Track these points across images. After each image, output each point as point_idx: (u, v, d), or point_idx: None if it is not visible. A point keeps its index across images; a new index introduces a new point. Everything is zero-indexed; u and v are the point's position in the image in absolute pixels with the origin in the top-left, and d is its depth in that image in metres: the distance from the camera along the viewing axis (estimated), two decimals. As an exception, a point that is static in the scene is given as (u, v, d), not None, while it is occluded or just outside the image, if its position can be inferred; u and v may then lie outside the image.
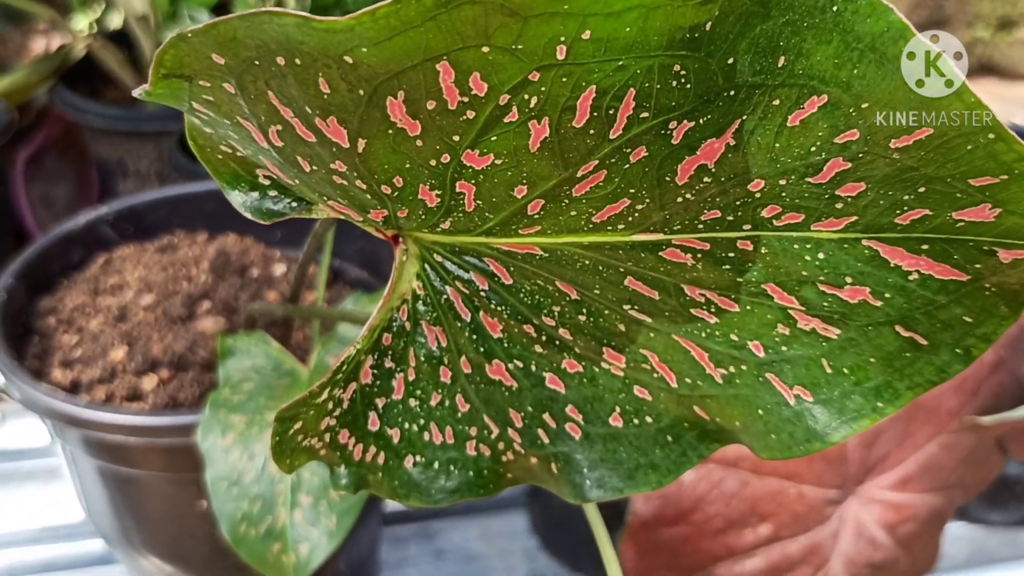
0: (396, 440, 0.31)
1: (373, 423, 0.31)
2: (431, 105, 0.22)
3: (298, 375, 0.52)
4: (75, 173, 1.16)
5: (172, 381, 0.57)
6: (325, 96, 0.23)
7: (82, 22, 1.26)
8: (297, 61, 0.22)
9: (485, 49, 0.21)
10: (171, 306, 0.60)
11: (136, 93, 0.24)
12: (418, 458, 0.31)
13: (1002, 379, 0.44)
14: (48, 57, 1.06)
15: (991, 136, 0.21)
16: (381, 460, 0.31)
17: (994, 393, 0.44)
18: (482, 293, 0.29)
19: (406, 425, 0.31)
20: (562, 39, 0.20)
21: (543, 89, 0.22)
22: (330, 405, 0.30)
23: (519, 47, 0.21)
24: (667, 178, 0.24)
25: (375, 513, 0.62)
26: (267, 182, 0.29)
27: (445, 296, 0.30)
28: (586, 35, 0.20)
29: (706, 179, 0.24)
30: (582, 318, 0.29)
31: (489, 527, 0.71)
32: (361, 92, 0.22)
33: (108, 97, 1.07)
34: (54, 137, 1.13)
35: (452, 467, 0.31)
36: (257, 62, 0.22)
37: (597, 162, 0.24)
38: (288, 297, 0.52)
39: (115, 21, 1.22)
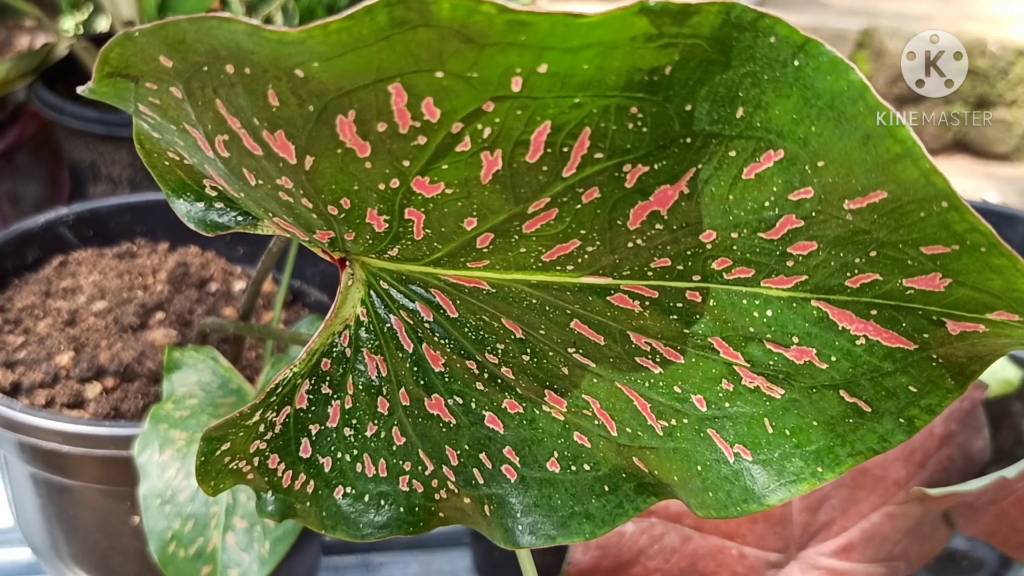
0: (327, 469, 0.30)
1: (305, 450, 0.30)
2: (382, 127, 0.22)
3: (245, 394, 0.51)
4: (46, 172, 1.15)
5: (116, 390, 0.56)
6: (274, 109, 0.22)
7: (69, 23, 1.25)
8: (247, 70, 0.21)
9: (439, 74, 0.20)
10: (123, 314, 0.59)
11: (81, 90, 0.24)
12: (349, 489, 0.30)
13: (951, 453, 0.44)
14: (30, 54, 1.05)
15: (944, 204, 0.20)
16: (310, 488, 0.30)
17: (943, 467, 0.44)
18: (426, 324, 0.29)
19: (339, 454, 0.30)
20: (518, 71, 0.20)
21: (497, 120, 0.21)
22: (262, 428, 0.29)
23: (474, 75, 0.20)
24: (619, 222, 0.23)
25: (314, 542, 0.61)
26: (214, 193, 0.28)
27: (389, 325, 0.29)
28: (543, 68, 0.20)
29: (658, 226, 0.23)
30: (526, 358, 0.28)
31: (431, 564, 0.70)
32: (311, 108, 0.21)
33: (85, 98, 1.07)
34: (28, 135, 1.12)
35: (383, 501, 0.30)
36: (206, 68, 0.22)
37: (549, 200, 0.23)
38: (241, 314, 0.51)
39: (102, 24, 1.21)
